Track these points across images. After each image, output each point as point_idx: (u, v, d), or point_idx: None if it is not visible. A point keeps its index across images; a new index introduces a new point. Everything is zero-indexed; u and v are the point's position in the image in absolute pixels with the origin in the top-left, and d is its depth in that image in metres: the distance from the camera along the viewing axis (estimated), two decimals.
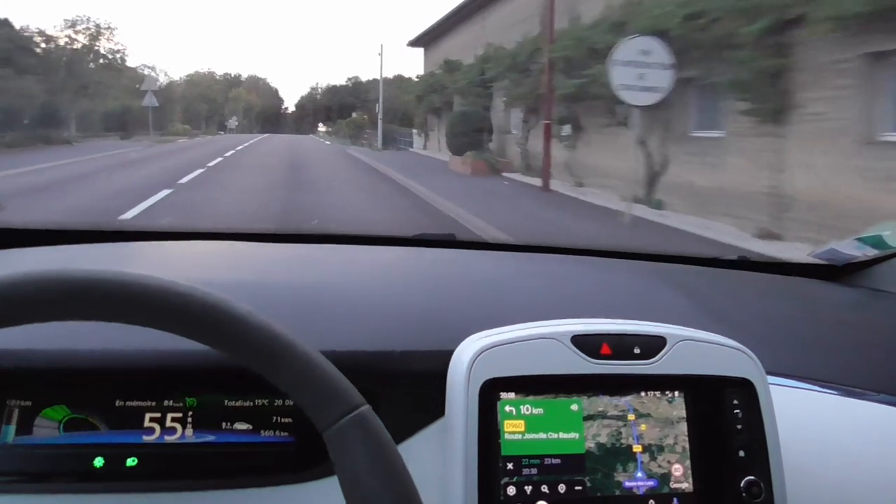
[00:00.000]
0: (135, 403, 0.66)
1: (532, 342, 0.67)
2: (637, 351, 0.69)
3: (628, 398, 0.69)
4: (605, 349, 0.68)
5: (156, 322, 0.48)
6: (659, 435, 0.69)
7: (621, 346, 0.69)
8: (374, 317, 0.81)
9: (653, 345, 0.69)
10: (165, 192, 10.46)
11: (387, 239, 1.30)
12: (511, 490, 0.64)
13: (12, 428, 0.64)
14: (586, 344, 0.68)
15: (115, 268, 0.49)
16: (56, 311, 0.47)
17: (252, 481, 0.65)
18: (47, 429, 0.64)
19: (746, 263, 1.29)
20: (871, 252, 1.19)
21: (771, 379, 0.73)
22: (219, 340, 0.49)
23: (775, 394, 0.71)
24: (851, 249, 1.21)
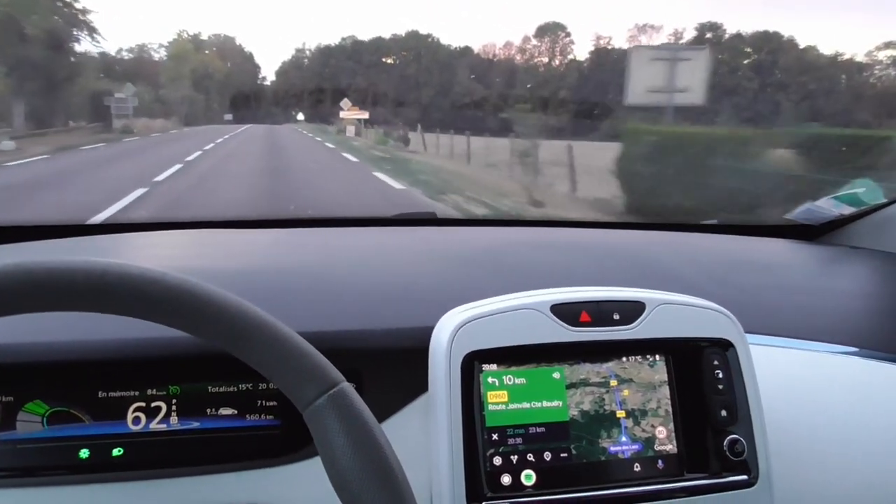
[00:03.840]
0: (118, 394, 0.66)
1: (511, 313, 0.68)
2: (616, 317, 0.69)
3: (610, 364, 0.70)
4: (585, 317, 0.69)
5: (128, 309, 0.47)
6: (642, 399, 0.70)
7: (600, 312, 0.69)
8: (355, 297, 0.81)
9: (632, 310, 0.70)
10: None
11: (368, 220, 1.30)
12: (497, 460, 0.65)
13: None
14: (565, 312, 0.68)
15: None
16: (20, 303, 0.45)
17: (239, 465, 0.65)
18: (30, 423, 0.64)
19: (724, 227, 1.30)
20: (848, 210, 1.20)
21: (750, 338, 0.73)
22: (193, 324, 0.48)
23: (755, 352, 0.72)
24: (828, 208, 1.22)
